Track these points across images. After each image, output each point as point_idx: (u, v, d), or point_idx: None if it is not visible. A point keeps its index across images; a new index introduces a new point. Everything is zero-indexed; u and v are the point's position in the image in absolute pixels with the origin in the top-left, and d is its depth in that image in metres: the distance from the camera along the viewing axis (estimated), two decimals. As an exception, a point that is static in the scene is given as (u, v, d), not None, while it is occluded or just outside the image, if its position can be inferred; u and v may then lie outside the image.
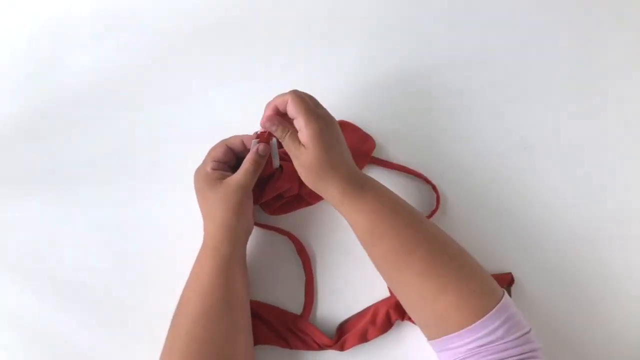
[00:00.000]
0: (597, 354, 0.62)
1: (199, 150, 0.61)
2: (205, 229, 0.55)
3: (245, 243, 0.57)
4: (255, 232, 0.60)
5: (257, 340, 0.57)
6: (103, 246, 0.61)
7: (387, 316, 0.59)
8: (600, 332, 0.62)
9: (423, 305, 0.51)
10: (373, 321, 0.59)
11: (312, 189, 0.53)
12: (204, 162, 0.56)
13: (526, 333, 0.49)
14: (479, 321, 0.48)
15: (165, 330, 0.60)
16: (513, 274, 0.61)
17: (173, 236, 0.61)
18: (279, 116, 0.52)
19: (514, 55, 0.62)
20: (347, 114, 0.62)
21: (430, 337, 0.52)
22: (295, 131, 0.51)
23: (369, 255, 0.54)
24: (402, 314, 0.59)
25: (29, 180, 0.62)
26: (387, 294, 0.61)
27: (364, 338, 0.58)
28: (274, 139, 0.55)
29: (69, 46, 0.62)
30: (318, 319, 0.60)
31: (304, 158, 0.51)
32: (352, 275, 0.61)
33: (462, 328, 0.48)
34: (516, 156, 0.62)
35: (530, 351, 0.48)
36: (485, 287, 0.51)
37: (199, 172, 0.55)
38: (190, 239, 0.61)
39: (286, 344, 0.58)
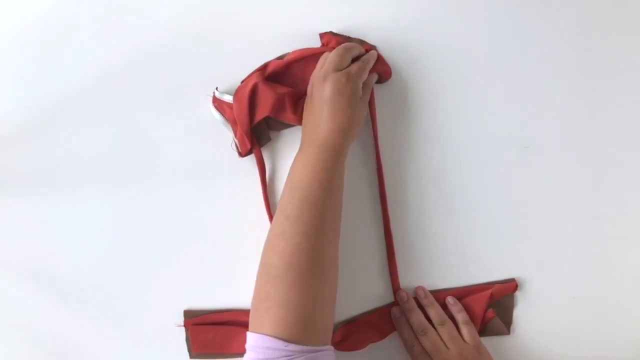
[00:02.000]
0: (602, 355, 0.62)
1: (199, 150, 0.61)
2: (326, 136, 0.54)
3: None
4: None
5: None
6: (103, 246, 0.61)
7: (388, 323, 0.60)
8: (604, 333, 0.62)
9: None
10: (374, 326, 0.59)
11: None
12: (354, 75, 0.55)
13: None
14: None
15: (166, 330, 0.60)
16: (515, 274, 0.61)
17: (173, 236, 0.61)
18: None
19: (514, 54, 0.62)
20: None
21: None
22: None
23: None
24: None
25: (29, 180, 0.62)
26: (389, 299, 0.61)
27: (363, 342, 0.59)
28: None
29: (69, 46, 0.62)
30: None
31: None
32: (352, 275, 0.61)
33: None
34: (516, 156, 0.62)
35: None
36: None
37: (349, 83, 0.54)
38: (190, 239, 0.61)
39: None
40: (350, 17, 0.61)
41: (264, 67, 0.58)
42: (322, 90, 0.54)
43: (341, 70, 0.55)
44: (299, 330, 0.48)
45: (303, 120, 0.57)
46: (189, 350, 0.60)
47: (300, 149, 0.56)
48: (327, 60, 0.56)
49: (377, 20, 0.61)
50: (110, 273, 0.61)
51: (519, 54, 0.62)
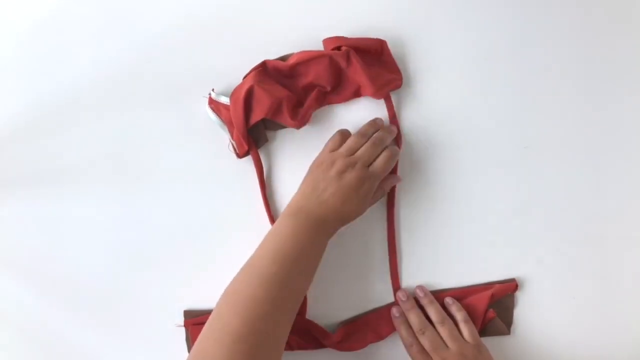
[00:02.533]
0: (602, 355, 0.62)
1: (199, 150, 0.61)
2: (326, 219, 0.54)
3: None
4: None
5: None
6: (103, 246, 0.61)
7: (388, 323, 0.60)
8: (604, 333, 0.62)
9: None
10: (374, 326, 0.60)
11: None
12: (377, 177, 0.56)
13: None
14: None
15: (166, 330, 0.60)
16: (515, 274, 0.61)
17: (173, 236, 0.61)
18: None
19: (514, 54, 0.62)
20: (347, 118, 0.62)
21: None
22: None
23: None
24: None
25: (29, 180, 0.62)
26: (390, 299, 0.61)
27: (363, 342, 0.59)
28: None
29: (68, 47, 0.62)
30: (317, 319, 0.60)
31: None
32: (352, 275, 0.61)
33: None
34: (516, 156, 0.62)
35: None
36: None
37: (369, 182, 0.55)
38: (190, 239, 0.61)
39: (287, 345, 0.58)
40: (351, 17, 0.61)
41: (262, 66, 0.58)
42: (344, 174, 0.54)
43: (366, 161, 0.55)
44: None
45: (306, 181, 0.56)
46: (189, 350, 0.60)
47: (293, 213, 0.54)
48: (363, 149, 0.56)
49: (378, 20, 0.61)
50: (110, 273, 0.61)
51: (519, 54, 0.62)
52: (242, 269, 0.52)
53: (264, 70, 0.58)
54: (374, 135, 0.58)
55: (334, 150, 0.57)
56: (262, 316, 0.48)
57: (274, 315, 0.49)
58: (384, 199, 0.61)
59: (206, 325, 0.50)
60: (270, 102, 0.56)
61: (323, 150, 0.58)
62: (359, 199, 0.55)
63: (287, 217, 0.54)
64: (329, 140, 0.58)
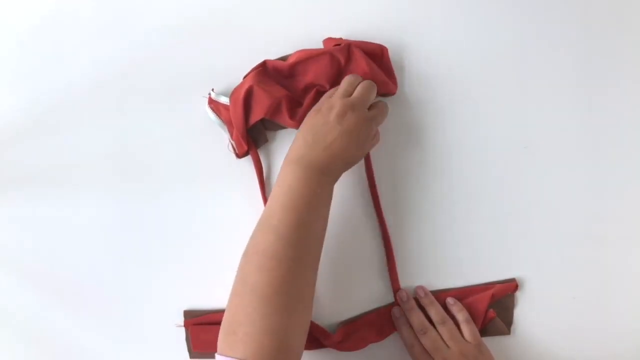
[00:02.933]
0: (602, 355, 0.62)
1: (199, 150, 0.61)
2: (330, 164, 0.53)
3: None
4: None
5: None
6: (103, 246, 0.61)
7: (388, 323, 0.60)
8: (604, 332, 0.62)
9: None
10: (374, 326, 0.60)
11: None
12: (378, 119, 0.56)
13: None
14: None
15: (165, 329, 0.60)
16: (515, 274, 0.61)
17: (173, 236, 0.61)
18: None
19: (513, 54, 0.62)
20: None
21: None
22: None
23: None
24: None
25: (29, 180, 0.62)
26: (389, 299, 0.61)
27: (363, 342, 0.59)
28: None
29: (68, 47, 0.62)
30: (317, 319, 0.60)
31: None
32: (352, 275, 0.61)
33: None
34: (516, 156, 0.62)
35: None
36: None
37: (372, 124, 0.55)
38: (190, 239, 0.61)
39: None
40: (350, 19, 0.61)
41: (262, 66, 0.58)
42: (344, 117, 0.53)
43: (364, 103, 0.54)
44: (279, 358, 0.46)
45: (304, 129, 0.54)
46: (189, 350, 0.60)
47: (295, 160, 0.52)
48: (358, 90, 0.55)
49: (376, 21, 0.61)
50: (110, 273, 0.61)
51: (519, 54, 0.62)
52: (257, 227, 0.52)
53: (264, 71, 0.58)
54: (366, 80, 0.56)
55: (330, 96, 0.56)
56: (286, 272, 0.48)
57: (297, 269, 0.49)
58: (370, 201, 0.61)
59: (232, 290, 0.50)
60: (270, 102, 0.56)
61: (319, 101, 0.56)
62: (361, 142, 0.54)
63: (290, 166, 0.52)
64: (323, 96, 0.57)
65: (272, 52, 0.60)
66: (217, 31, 0.61)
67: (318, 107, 0.55)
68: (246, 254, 0.51)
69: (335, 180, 0.54)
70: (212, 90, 0.59)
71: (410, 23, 0.61)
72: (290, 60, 0.58)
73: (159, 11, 0.61)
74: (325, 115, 0.53)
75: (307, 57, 0.57)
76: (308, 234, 0.50)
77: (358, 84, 0.55)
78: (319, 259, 0.52)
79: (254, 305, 0.47)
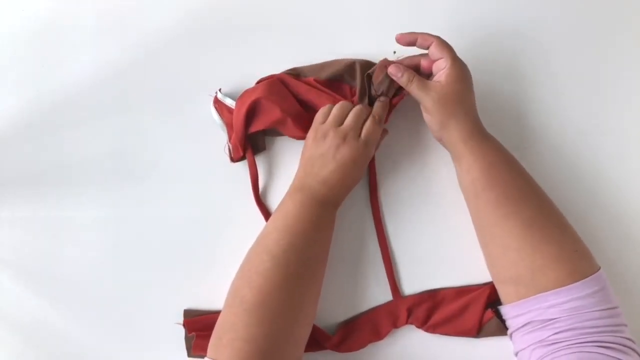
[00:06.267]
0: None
1: (199, 151, 0.61)
2: (328, 192, 0.55)
3: None
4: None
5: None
6: (103, 246, 0.61)
7: (388, 322, 0.60)
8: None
9: (520, 257, 0.50)
10: (373, 326, 0.60)
11: (436, 125, 0.55)
12: (371, 143, 0.56)
13: (616, 307, 0.49)
14: (580, 282, 0.48)
15: (166, 330, 0.60)
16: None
17: (173, 236, 0.61)
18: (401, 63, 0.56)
19: (513, 53, 0.62)
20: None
21: (516, 297, 0.51)
22: (418, 77, 0.55)
23: (471, 204, 0.55)
24: (396, 323, 0.59)
25: (30, 180, 0.62)
26: (387, 298, 0.61)
27: (363, 342, 0.59)
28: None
29: (69, 47, 0.62)
30: (316, 321, 0.60)
31: (440, 90, 0.53)
32: (351, 275, 0.61)
33: (560, 285, 0.48)
34: (516, 156, 0.62)
35: (620, 325, 0.48)
36: (586, 253, 0.51)
37: (366, 150, 0.55)
38: (190, 239, 0.61)
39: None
40: (351, 19, 0.61)
41: (278, 78, 0.59)
42: (338, 150, 0.54)
43: (355, 131, 0.55)
44: None
45: (305, 159, 0.56)
46: (188, 350, 0.60)
47: (298, 189, 0.55)
48: (350, 118, 0.55)
49: (377, 22, 0.61)
50: (110, 273, 0.61)
51: (519, 54, 0.62)
52: (253, 245, 0.54)
53: (279, 82, 0.58)
54: (355, 107, 0.57)
55: (322, 122, 0.56)
56: (272, 288, 0.50)
57: (285, 288, 0.51)
58: (369, 201, 0.61)
59: (225, 302, 0.53)
60: (276, 117, 0.57)
61: (313, 123, 0.57)
62: (358, 167, 0.55)
63: (293, 192, 0.55)
64: (317, 114, 0.58)
65: (274, 54, 0.60)
66: (217, 31, 0.61)
67: (313, 135, 0.56)
68: (241, 269, 0.53)
69: (337, 205, 0.56)
70: (219, 90, 0.59)
71: (409, 23, 0.61)
72: (307, 97, 0.58)
73: (159, 11, 0.61)
74: (321, 145, 0.55)
75: (319, 95, 0.58)
76: (299, 257, 0.52)
77: (349, 111, 0.56)
78: (313, 279, 0.54)
79: (240, 316, 0.50)
